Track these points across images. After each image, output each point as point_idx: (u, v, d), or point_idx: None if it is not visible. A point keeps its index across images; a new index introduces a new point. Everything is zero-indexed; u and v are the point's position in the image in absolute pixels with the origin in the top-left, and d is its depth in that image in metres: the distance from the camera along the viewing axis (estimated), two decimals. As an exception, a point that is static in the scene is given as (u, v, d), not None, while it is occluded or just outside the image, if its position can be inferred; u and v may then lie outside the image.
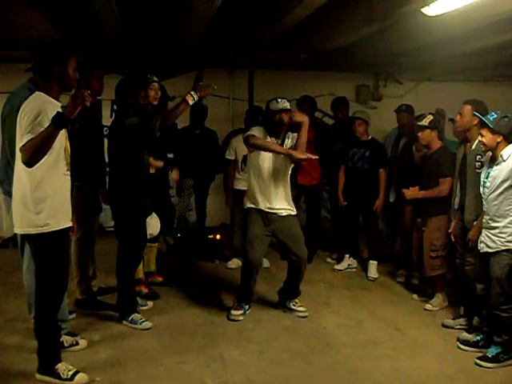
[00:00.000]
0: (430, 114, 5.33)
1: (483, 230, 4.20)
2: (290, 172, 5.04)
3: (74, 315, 4.68)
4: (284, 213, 4.98)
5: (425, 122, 5.20)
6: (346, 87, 8.36)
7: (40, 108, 3.31)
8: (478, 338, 4.37)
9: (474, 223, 4.46)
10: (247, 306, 5.04)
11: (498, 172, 4.06)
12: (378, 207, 6.10)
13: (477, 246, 4.32)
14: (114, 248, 4.80)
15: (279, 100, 4.90)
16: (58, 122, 3.23)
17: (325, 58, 6.98)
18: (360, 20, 5.18)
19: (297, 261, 5.01)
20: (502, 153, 4.05)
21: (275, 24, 5.39)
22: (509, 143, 4.06)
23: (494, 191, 4.07)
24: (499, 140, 4.04)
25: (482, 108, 4.56)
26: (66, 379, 3.63)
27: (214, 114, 7.29)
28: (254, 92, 7.98)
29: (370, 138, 6.21)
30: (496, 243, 4.08)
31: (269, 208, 4.93)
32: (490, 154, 4.20)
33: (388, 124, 7.02)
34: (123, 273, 4.72)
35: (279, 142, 4.94)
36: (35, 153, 3.24)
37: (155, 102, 4.97)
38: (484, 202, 4.20)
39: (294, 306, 5.13)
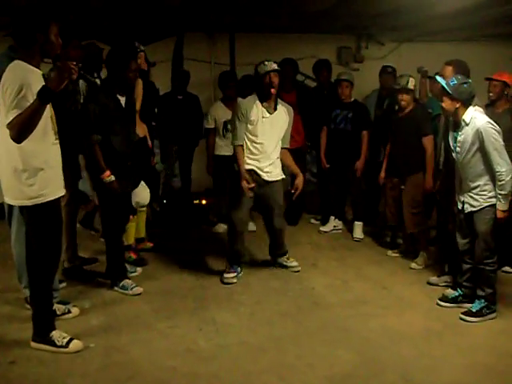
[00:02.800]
0: (410, 76, 5.40)
1: (464, 194, 4.27)
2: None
3: (64, 284, 4.71)
4: (272, 177, 5.03)
5: (411, 85, 5.31)
6: (327, 49, 8.30)
7: (22, 80, 3.23)
8: (457, 293, 4.50)
9: None
10: (239, 268, 5.11)
11: (465, 136, 4.14)
12: (358, 169, 6.13)
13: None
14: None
15: (266, 62, 4.91)
16: (44, 96, 3.16)
17: (306, 20, 6.91)
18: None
19: (274, 230, 5.24)
20: (463, 117, 4.12)
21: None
22: (467, 108, 4.12)
23: (466, 155, 4.16)
24: (457, 105, 4.11)
25: (464, 68, 4.58)
26: (60, 346, 3.67)
27: (195, 79, 7.23)
28: (235, 56, 7.88)
29: (352, 99, 6.21)
30: (479, 201, 4.18)
31: (262, 168, 4.98)
32: (451, 118, 4.30)
33: (370, 86, 7.02)
34: (110, 239, 4.75)
35: (272, 107, 4.97)
36: (23, 129, 3.20)
37: (143, 68, 4.95)
38: (459, 166, 4.28)
39: (285, 262, 5.31)
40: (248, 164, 4.94)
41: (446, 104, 4.17)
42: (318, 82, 7.00)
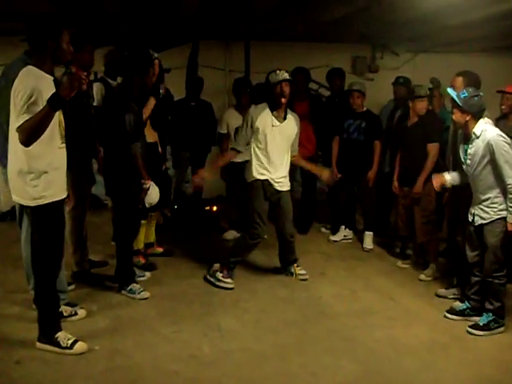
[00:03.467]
0: (425, 85, 5.47)
1: (475, 207, 4.25)
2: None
3: (72, 286, 4.75)
4: (284, 187, 5.11)
5: (426, 92, 5.36)
6: (342, 58, 8.30)
7: (33, 86, 3.30)
8: (464, 306, 4.46)
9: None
10: (232, 273, 5.15)
11: (475, 149, 4.12)
12: (371, 178, 6.11)
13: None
14: (109, 221, 4.85)
15: (278, 71, 4.92)
16: (55, 103, 3.22)
17: (321, 29, 6.91)
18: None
19: (285, 237, 5.24)
20: (474, 130, 4.11)
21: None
22: (477, 120, 4.11)
23: (476, 167, 4.14)
24: (468, 118, 4.10)
25: (474, 79, 4.58)
26: (65, 347, 3.71)
27: (209, 86, 7.25)
28: (250, 64, 7.92)
29: (365, 109, 6.20)
30: (489, 213, 4.15)
31: (274, 178, 5.03)
32: (461, 130, 4.29)
33: (384, 96, 7.02)
34: (121, 243, 4.79)
35: (282, 116, 5.00)
36: (32, 134, 3.27)
37: (155, 79, 4.99)
38: (470, 179, 4.26)
39: (294, 270, 5.31)
40: (262, 174, 5.01)
41: (457, 116, 4.17)
42: (331, 91, 7.01)
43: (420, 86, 5.46)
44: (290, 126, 5.06)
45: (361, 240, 6.40)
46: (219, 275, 5.04)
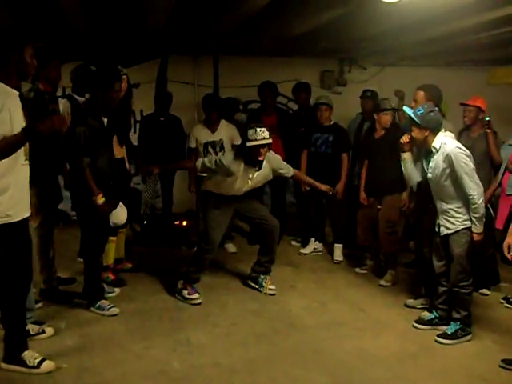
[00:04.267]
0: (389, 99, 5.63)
1: (439, 215, 4.32)
2: None
3: (40, 304, 4.67)
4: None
5: (390, 105, 5.52)
6: (310, 73, 8.40)
7: (1, 103, 3.24)
8: (432, 315, 4.52)
9: (431, 205, 4.59)
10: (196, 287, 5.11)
11: (436, 162, 4.20)
12: (339, 191, 6.15)
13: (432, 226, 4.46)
14: (77, 237, 4.79)
15: (258, 130, 4.73)
16: (30, 135, 3.23)
17: (288, 44, 6.99)
18: (322, 5, 5.22)
19: (269, 227, 5.21)
20: (433, 144, 4.19)
21: (236, 10, 5.39)
22: (435, 135, 4.19)
23: (439, 180, 4.21)
24: (426, 134, 4.18)
25: (435, 93, 4.67)
26: (32, 367, 3.63)
27: (179, 100, 7.29)
28: (219, 78, 7.95)
29: (332, 122, 6.27)
30: (455, 224, 4.22)
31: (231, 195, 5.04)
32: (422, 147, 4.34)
33: (353, 109, 7.12)
34: (89, 259, 4.74)
35: (256, 170, 4.94)
36: (1, 155, 3.23)
37: (122, 94, 4.98)
38: (434, 192, 4.34)
39: (265, 283, 5.27)
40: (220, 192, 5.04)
41: (415, 133, 4.23)
42: (297, 105, 7.07)
43: (385, 100, 5.59)
44: (264, 171, 5.03)
45: (331, 252, 6.44)
46: (185, 293, 5.01)
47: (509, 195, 5.03)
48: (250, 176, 4.95)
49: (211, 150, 6.26)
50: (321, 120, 6.17)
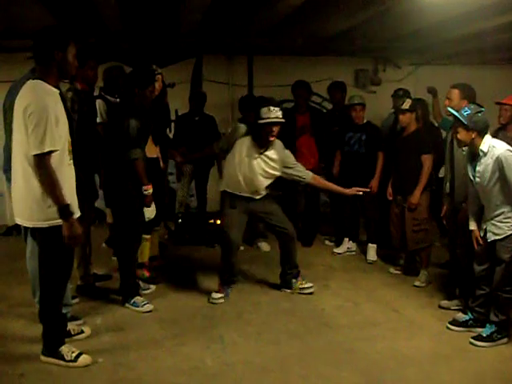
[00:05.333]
0: (408, 97, 5.58)
1: (487, 222, 4.20)
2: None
3: (76, 300, 4.79)
4: (258, 197, 5.09)
5: (405, 105, 5.41)
6: (344, 72, 8.36)
7: (42, 105, 3.28)
8: (467, 317, 4.45)
9: (463, 205, 4.54)
10: (229, 290, 5.12)
11: (484, 166, 4.05)
12: (372, 187, 6.07)
13: (466, 227, 4.40)
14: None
15: (272, 108, 4.68)
16: (62, 216, 3.38)
17: (322, 43, 6.99)
18: (356, 4, 5.21)
19: (284, 234, 5.16)
20: (481, 148, 4.04)
21: (270, 10, 5.41)
22: (483, 137, 4.05)
23: (487, 184, 4.07)
24: (473, 136, 4.03)
25: (470, 91, 4.60)
26: (70, 360, 3.73)
27: (213, 100, 7.33)
28: (253, 78, 7.99)
29: (365, 121, 6.25)
30: (503, 229, 4.09)
31: (246, 195, 5.04)
32: (467, 149, 4.22)
33: (387, 108, 7.04)
34: (124, 256, 4.83)
35: (262, 151, 4.89)
36: (46, 185, 3.35)
37: (157, 93, 5.06)
38: (481, 197, 4.20)
39: (295, 284, 5.25)
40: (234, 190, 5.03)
41: (462, 135, 4.07)
42: (332, 104, 7.06)
43: (398, 99, 5.62)
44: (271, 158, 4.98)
45: (364, 252, 6.42)
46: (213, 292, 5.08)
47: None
48: (255, 159, 4.87)
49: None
50: (356, 120, 6.15)
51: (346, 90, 6.91)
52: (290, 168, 5.00)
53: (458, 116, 4.05)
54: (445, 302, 4.93)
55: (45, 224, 3.46)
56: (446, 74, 7.84)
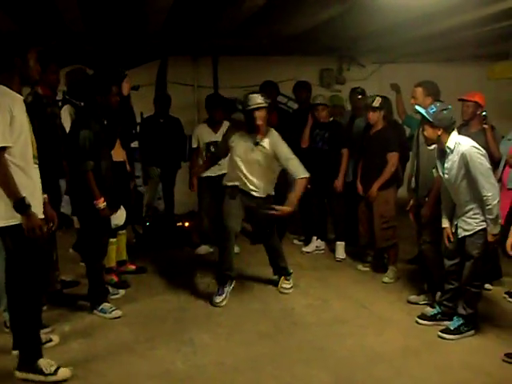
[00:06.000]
0: (377, 95, 5.61)
1: (458, 219, 4.26)
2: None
3: (44, 307, 4.66)
4: (257, 194, 5.10)
5: (376, 103, 5.48)
6: (309, 71, 8.43)
7: (9, 106, 3.24)
8: (435, 311, 4.51)
9: (426, 199, 4.62)
10: (229, 289, 5.07)
11: (451, 163, 4.10)
12: (337, 187, 6.15)
13: (432, 223, 4.51)
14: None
15: (250, 96, 4.91)
16: (18, 208, 3.30)
17: (287, 43, 7.03)
18: (318, 4, 5.24)
19: (270, 238, 5.32)
20: (447, 144, 4.10)
21: (234, 10, 5.42)
22: (449, 134, 4.11)
23: (455, 181, 4.12)
24: (439, 133, 4.08)
25: (433, 89, 4.68)
26: (49, 374, 3.56)
27: (179, 102, 7.32)
28: (218, 79, 7.98)
29: (331, 119, 6.30)
30: (472, 225, 4.15)
31: (249, 189, 5.07)
32: (435, 146, 4.27)
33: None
34: (91, 262, 4.76)
35: (259, 140, 4.96)
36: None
37: (125, 94, 5.02)
38: (451, 193, 4.26)
39: (280, 280, 5.37)
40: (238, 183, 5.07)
41: (428, 132, 4.13)
42: (298, 104, 7.09)
43: (369, 97, 5.69)
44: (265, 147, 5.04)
45: (333, 250, 6.46)
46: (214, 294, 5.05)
47: (510, 189, 5.02)
48: (252, 150, 4.95)
49: (213, 149, 6.29)
50: (320, 119, 6.20)
51: (311, 89, 6.94)
52: (281, 155, 4.97)
53: (424, 114, 4.11)
54: (413, 297, 4.99)
55: (12, 221, 3.36)
56: (410, 72, 7.91)
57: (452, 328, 4.26)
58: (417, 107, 4.32)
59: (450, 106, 4.16)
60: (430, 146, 4.30)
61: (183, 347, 4.12)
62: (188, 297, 5.17)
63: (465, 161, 3.99)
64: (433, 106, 4.12)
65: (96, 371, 3.76)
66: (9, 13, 5.23)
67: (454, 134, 4.12)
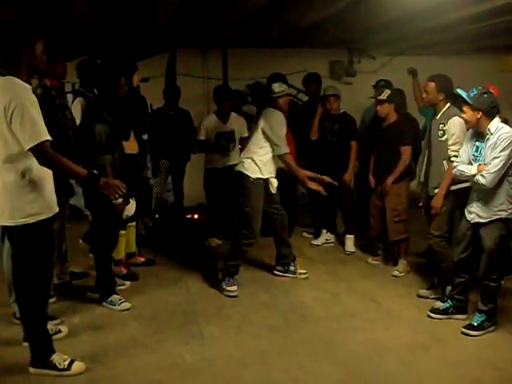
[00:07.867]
0: (387, 88, 5.58)
1: (473, 202, 4.20)
2: None
3: (54, 299, 4.68)
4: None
5: (383, 96, 5.44)
6: (319, 63, 8.37)
7: (23, 99, 3.19)
8: (447, 305, 4.48)
9: (436, 191, 4.58)
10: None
11: (492, 144, 4.02)
12: (346, 181, 6.14)
13: (440, 216, 4.51)
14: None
15: (281, 84, 5.27)
16: (88, 182, 3.42)
17: (297, 35, 6.97)
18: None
19: (280, 217, 5.39)
20: (489, 127, 4.04)
21: (243, 2, 5.38)
22: (490, 118, 4.05)
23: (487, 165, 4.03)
24: (479, 116, 4.03)
25: (447, 83, 4.62)
26: (63, 369, 3.55)
27: (188, 94, 7.30)
28: (227, 71, 7.95)
29: (341, 111, 6.27)
30: (488, 213, 4.10)
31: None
32: (471, 130, 4.22)
33: (362, 99, 7.04)
34: (100, 254, 4.77)
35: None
36: (53, 167, 3.34)
37: (136, 86, 5.04)
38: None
39: (294, 267, 5.47)
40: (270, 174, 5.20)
41: (468, 115, 4.08)
42: (308, 96, 7.06)
43: (376, 90, 5.65)
44: None
45: (342, 243, 6.43)
46: (223, 284, 5.04)
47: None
48: None
49: (223, 140, 6.29)
50: (330, 111, 6.17)
51: (321, 81, 6.90)
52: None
53: (464, 96, 4.08)
54: (423, 291, 4.97)
55: (30, 220, 3.33)
56: (421, 65, 7.83)
57: (475, 324, 4.22)
58: (458, 90, 4.26)
59: (491, 91, 4.13)
60: (468, 129, 4.28)
61: (192, 340, 4.13)
62: (197, 289, 5.18)
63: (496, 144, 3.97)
64: (474, 89, 4.10)
65: (104, 362, 3.78)
66: (18, 5, 5.21)
67: (497, 119, 4.07)
